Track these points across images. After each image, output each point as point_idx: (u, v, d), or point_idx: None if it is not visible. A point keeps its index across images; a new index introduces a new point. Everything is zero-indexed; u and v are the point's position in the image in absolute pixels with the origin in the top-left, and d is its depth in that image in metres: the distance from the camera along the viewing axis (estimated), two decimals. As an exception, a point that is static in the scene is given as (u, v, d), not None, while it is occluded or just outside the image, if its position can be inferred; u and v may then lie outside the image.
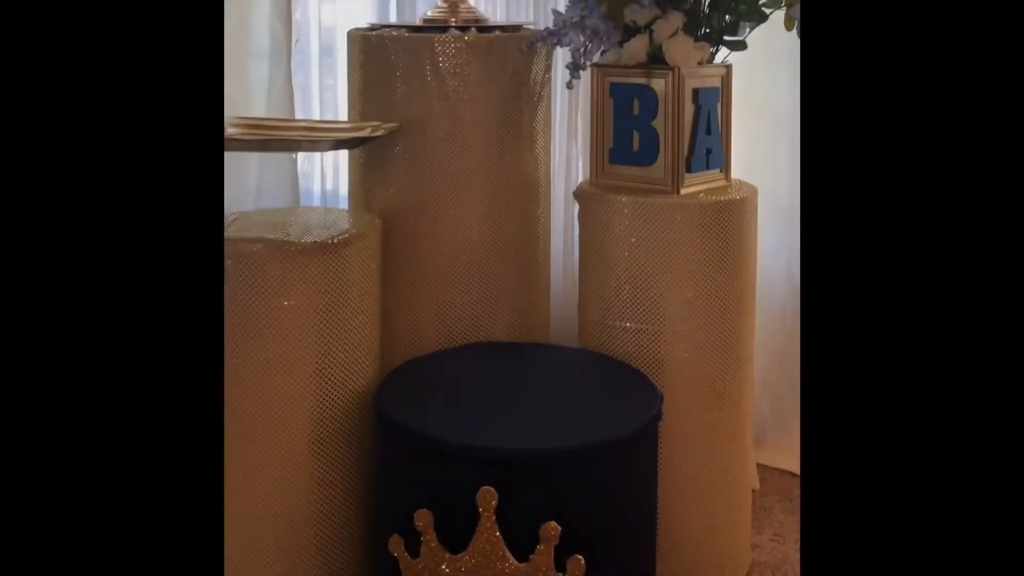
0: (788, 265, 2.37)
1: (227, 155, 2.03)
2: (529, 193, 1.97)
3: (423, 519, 1.41)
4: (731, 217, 1.82)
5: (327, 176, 2.36)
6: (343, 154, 2.35)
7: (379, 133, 1.79)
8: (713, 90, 1.90)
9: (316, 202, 2.32)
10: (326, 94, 2.39)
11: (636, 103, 1.85)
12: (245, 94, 2.30)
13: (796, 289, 2.33)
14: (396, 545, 1.44)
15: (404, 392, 1.61)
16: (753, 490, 2.02)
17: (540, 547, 1.39)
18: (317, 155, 2.35)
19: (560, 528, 1.39)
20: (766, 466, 2.28)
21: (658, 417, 1.58)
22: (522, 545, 1.39)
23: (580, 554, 1.40)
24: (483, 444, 1.43)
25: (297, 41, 2.35)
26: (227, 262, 1.57)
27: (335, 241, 1.60)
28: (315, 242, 1.59)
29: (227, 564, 1.60)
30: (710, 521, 1.83)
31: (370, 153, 1.92)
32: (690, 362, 1.79)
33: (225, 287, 1.56)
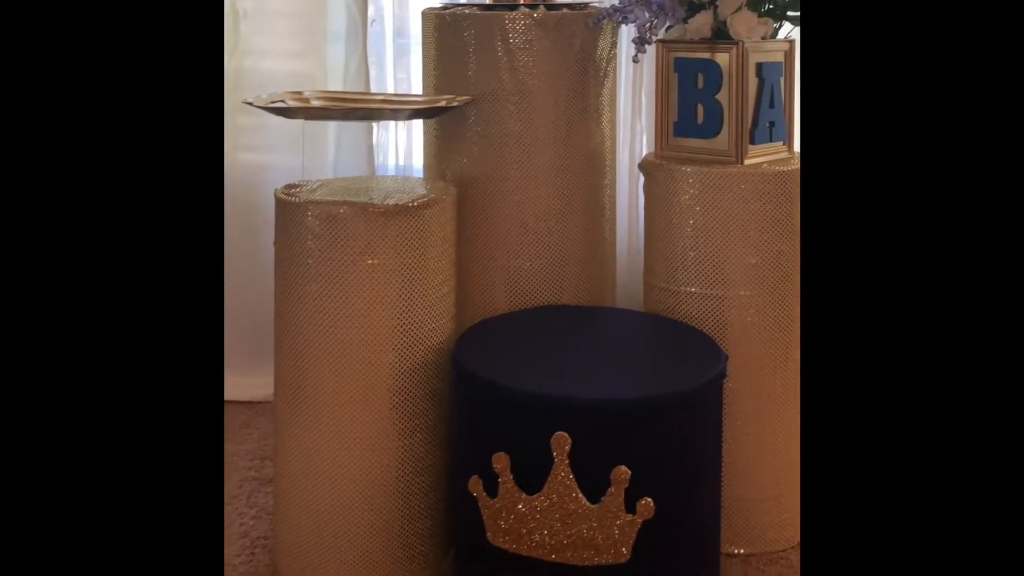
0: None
1: (305, 130, 2.15)
2: (595, 164, 2.04)
3: (501, 461, 1.49)
4: (793, 187, 1.87)
5: (400, 151, 2.46)
6: (416, 131, 2.45)
7: (455, 104, 1.87)
8: (776, 64, 1.96)
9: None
10: (399, 74, 2.49)
11: (700, 77, 1.91)
12: (323, 74, 2.42)
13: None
14: (475, 485, 1.52)
15: (480, 346, 1.69)
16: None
17: (611, 489, 1.46)
18: (391, 131, 2.45)
19: (630, 473, 1.46)
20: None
21: (723, 375, 1.64)
22: (594, 488, 1.47)
23: (650, 498, 1.47)
24: (556, 393, 1.50)
25: (372, 22, 2.45)
26: (315, 223, 1.66)
27: (415, 204, 1.69)
28: (396, 204, 1.68)
29: (312, 510, 1.70)
30: (773, 483, 1.88)
31: (443, 126, 2.00)
32: (754, 327, 1.85)
33: (313, 245, 1.66)
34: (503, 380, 1.54)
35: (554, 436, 1.46)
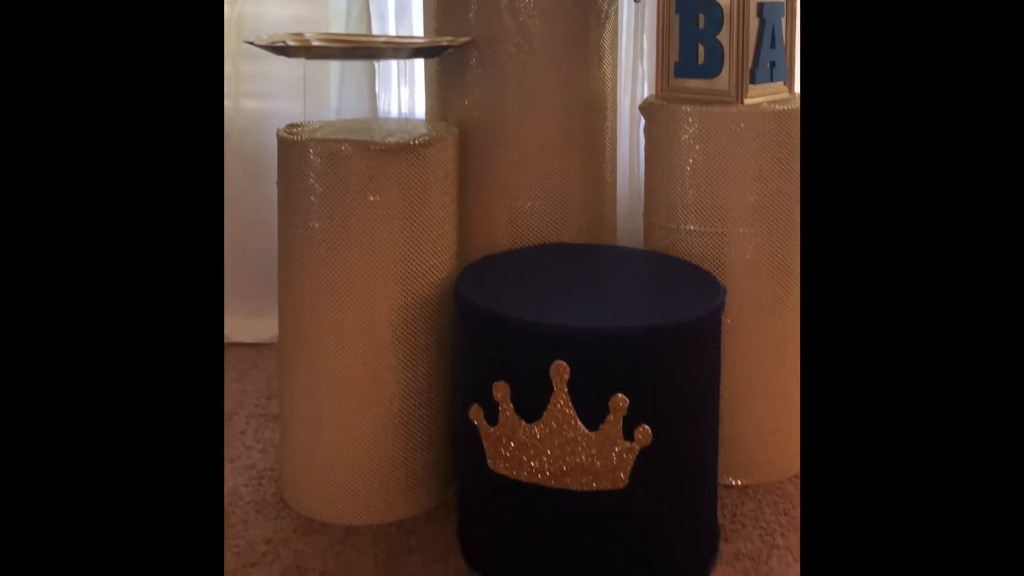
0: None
1: (307, 76, 2.16)
2: (596, 107, 2.05)
3: (501, 390, 1.52)
4: (792, 126, 1.88)
5: (403, 100, 2.47)
6: (418, 79, 2.46)
7: (457, 43, 1.88)
8: (778, 4, 1.96)
9: (392, 123, 2.44)
10: (401, 20, 2.49)
11: (702, 17, 1.91)
12: (325, 20, 2.42)
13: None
14: (476, 413, 1.55)
15: (481, 280, 1.72)
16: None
17: (609, 417, 1.49)
18: (393, 79, 2.46)
19: (628, 401, 1.48)
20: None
21: (721, 308, 1.66)
22: (592, 416, 1.50)
23: (647, 425, 1.50)
24: (555, 323, 1.53)
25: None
26: (317, 160, 1.68)
27: (416, 142, 1.71)
28: (398, 143, 1.69)
29: (316, 442, 1.74)
30: (772, 418, 1.91)
31: (444, 68, 2.01)
32: (752, 263, 1.87)
33: (315, 182, 1.68)
34: (503, 310, 1.56)
35: (553, 365, 1.49)
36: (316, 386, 1.73)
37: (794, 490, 1.89)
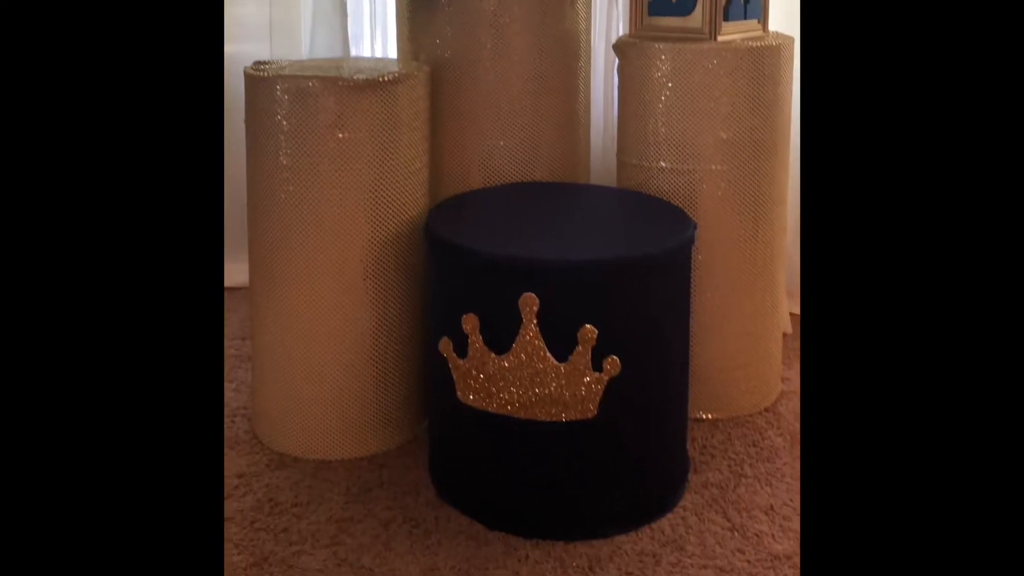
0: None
1: (280, 19, 2.15)
2: (569, 46, 2.04)
3: (470, 323, 1.53)
4: (765, 62, 1.88)
5: (376, 40, 2.45)
6: (391, 22, 2.43)
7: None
8: (751, -60, 1.94)
9: (365, 65, 2.42)
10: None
11: (675, -47, 1.90)
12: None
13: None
14: (445, 346, 1.57)
15: (453, 216, 1.72)
16: (785, 334, 2.11)
17: (578, 348, 1.50)
18: (365, 20, 2.44)
19: (596, 332, 1.50)
20: (798, 316, 2.37)
21: (691, 241, 1.68)
22: (561, 348, 1.51)
23: (616, 356, 1.51)
24: (524, 255, 1.54)
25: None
26: (284, 97, 1.68)
27: (385, 79, 1.70)
28: (367, 79, 1.68)
29: (289, 379, 1.75)
30: (742, 353, 1.93)
31: (417, 9, 2.00)
32: (725, 200, 1.88)
33: (283, 120, 1.68)
34: (473, 244, 1.57)
35: (522, 297, 1.50)
36: (287, 323, 1.74)
37: (764, 423, 1.92)
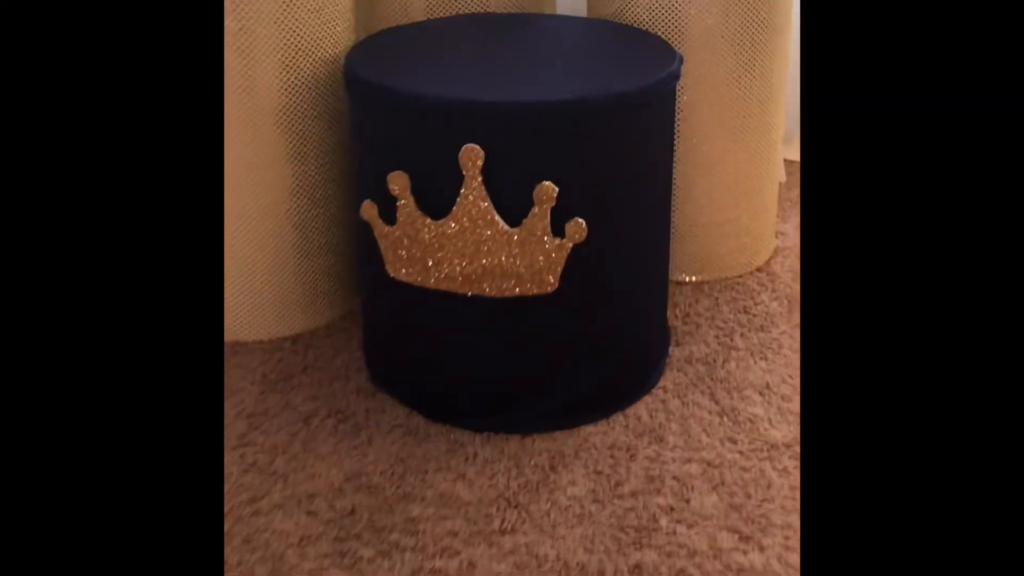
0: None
1: None
2: None
3: (397, 181, 1.25)
4: None
5: None
6: None
7: None
8: None
9: None
10: None
11: None
12: None
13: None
14: (368, 210, 1.29)
15: (379, 53, 1.41)
16: (780, 184, 1.84)
17: (534, 210, 1.23)
18: None
19: (557, 190, 1.23)
20: (793, 161, 2.10)
21: (675, 77, 1.37)
22: (513, 210, 1.24)
23: (580, 218, 1.24)
24: (466, 97, 1.24)
25: None
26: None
27: None
28: None
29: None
30: (732, 206, 1.66)
31: None
32: (715, 30, 1.56)
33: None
34: (401, 84, 1.27)
35: (463, 149, 1.21)
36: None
37: (757, 285, 1.67)
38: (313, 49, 1.43)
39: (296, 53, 1.41)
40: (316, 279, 1.53)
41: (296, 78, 1.42)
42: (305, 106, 1.44)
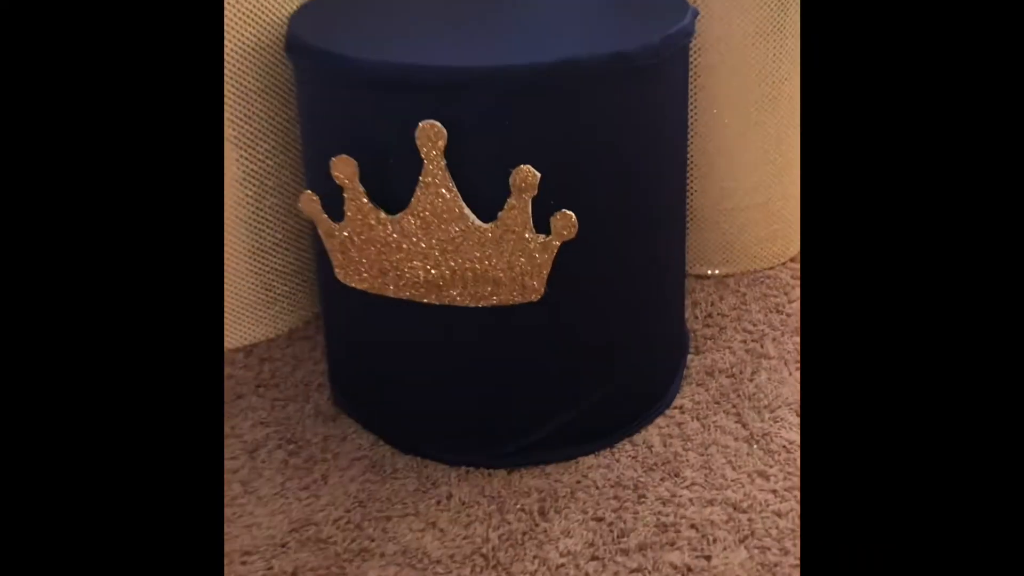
0: None
1: None
2: None
3: (342, 168, 1.02)
4: None
5: None
6: None
7: None
8: None
9: None
10: None
11: None
12: None
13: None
14: (308, 203, 1.06)
15: (330, 15, 1.18)
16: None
17: (511, 201, 1.00)
18: None
19: (539, 176, 1.00)
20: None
21: (688, 34, 1.13)
22: (486, 201, 1.01)
23: (568, 210, 1.01)
24: (426, 63, 1.01)
25: None
26: None
27: None
28: None
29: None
30: (759, 186, 1.43)
31: None
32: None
33: None
34: (348, 51, 1.04)
35: (420, 126, 0.98)
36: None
37: (790, 279, 1.43)
38: (257, 14, 1.21)
39: (239, 22, 1.20)
40: (271, 279, 1.32)
41: (238, 46, 1.20)
42: (250, 82, 1.22)
